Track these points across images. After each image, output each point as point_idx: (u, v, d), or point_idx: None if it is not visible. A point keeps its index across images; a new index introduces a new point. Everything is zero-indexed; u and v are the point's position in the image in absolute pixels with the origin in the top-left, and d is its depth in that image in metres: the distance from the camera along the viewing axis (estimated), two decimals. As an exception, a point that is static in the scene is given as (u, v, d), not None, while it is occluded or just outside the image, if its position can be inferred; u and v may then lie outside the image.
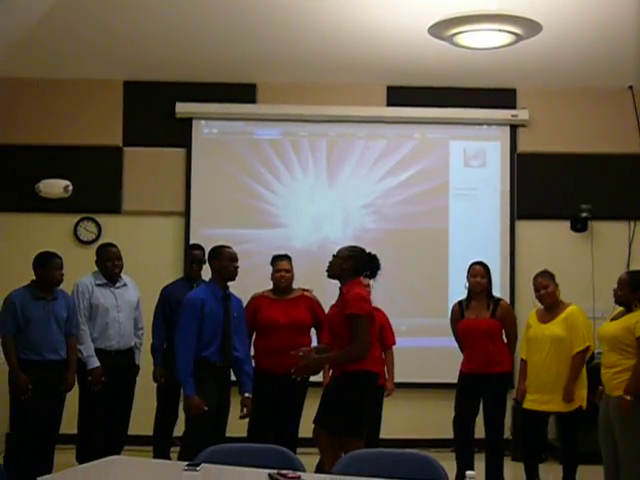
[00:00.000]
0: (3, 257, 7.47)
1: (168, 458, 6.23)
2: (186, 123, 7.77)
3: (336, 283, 5.39)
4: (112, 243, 6.38)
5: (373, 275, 5.52)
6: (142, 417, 6.53)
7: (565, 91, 7.84)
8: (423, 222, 7.81)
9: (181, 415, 5.70)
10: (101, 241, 7.14)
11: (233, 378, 5.66)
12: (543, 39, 6.27)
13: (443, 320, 6.81)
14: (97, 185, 7.73)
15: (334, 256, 5.37)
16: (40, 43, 6.87)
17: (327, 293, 5.99)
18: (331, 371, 5.54)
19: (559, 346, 5.77)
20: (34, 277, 5.93)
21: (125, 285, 6.32)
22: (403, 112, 7.76)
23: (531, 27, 5.83)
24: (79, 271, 6.35)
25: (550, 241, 7.78)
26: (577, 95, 7.84)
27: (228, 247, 5.57)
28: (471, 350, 6.12)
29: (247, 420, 5.81)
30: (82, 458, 5.92)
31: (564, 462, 5.97)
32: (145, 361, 6.46)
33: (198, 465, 3.48)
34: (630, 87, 7.72)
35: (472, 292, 6.19)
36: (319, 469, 5.31)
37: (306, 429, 5.69)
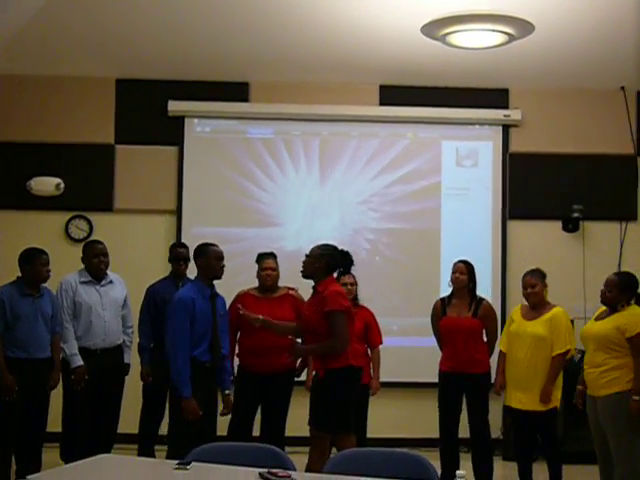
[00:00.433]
0: (-6, 254, 7.45)
1: (153, 456, 6.23)
2: (178, 121, 7.76)
3: None
4: (99, 240, 6.35)
5: (347, 271, 5.63)
6: (128, 415, 6.50)
7: (557, 91, 7.85)
8: (415, 222, 7.81)
9: (166, 413, 5.69)
10: (93, 239, 7.12)
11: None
12: (536, 39, 6.30)
13: (435, 320, 6.81)
14: (89, 183, 7.71)
15: (307, 256, 5.42)
16: (32, 41, 6.86)
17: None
18: (314, 372, 5.57)
19: (539, 345, 5.79)
20: (19, 274, 5.85)
21: (111, 282, 6.24)
22: (396, 111, 7.76)
23: (524, 27, 5.86)
24: (70, 269, 6.30)
25: (542, 241, 7.80)
26: (569, 95, 7.85)
27: (214, 245, 5.54)
28: (452, 348, 6.15)
29: (229, 418, 5.82)
30: (66, 456, 5.91)
31: (547, 461, 6.00)
32: (134, 359, 6.43)
33: (189, 464, 3.48)
34: (622, 88, 7.74)
35: (454, 289, 6.24)
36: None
37: (294, 428, 5.69)
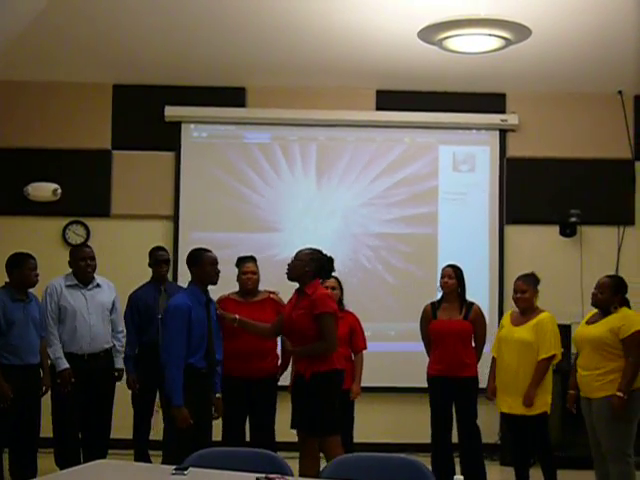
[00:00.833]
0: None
1: (149, 461, 6.22)
2: (175, 127, 7.76)
3: None
4: (86, 244, 6.33)
5: (327, 277, 5.73)
6: (124, 421, 6.48)
7: (554, 96, 7.85)
8: (412, 226, 7.80)
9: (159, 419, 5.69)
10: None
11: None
12: (532, 44, 6.30)
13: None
14: (86, 188, 7.71)
15: (294, 259, 5.46)
16: (29, 46, 6.86)
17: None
18: (296, 374, 5.56)
19: (526, 350, 5.80)
20: (7, 279, 5.82)
21: (99, 286, 6.18)
22: (392, 116, 7.77)
23: (520, 32, 5.85)
24: (67, 275, 6.30)
25: (539, 246, 7.79)
26: (566, 100, 7.85)
27: (208, 251, 5.51)
28: (441, 351, 6.16)
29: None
30: (61, 462, 5.89)
31: (541, 467, 6.00)
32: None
33: (186, 469, 3.47)
34: (619, 92, 7.74)
35: (444, 294, 6.27)
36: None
37: (286, 433, 5.65)
